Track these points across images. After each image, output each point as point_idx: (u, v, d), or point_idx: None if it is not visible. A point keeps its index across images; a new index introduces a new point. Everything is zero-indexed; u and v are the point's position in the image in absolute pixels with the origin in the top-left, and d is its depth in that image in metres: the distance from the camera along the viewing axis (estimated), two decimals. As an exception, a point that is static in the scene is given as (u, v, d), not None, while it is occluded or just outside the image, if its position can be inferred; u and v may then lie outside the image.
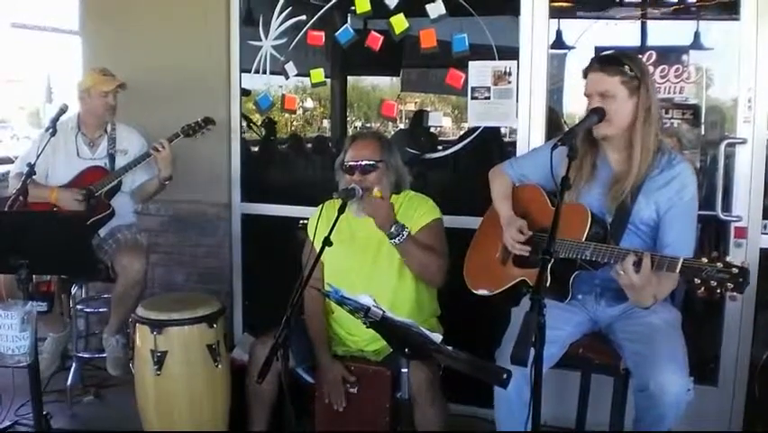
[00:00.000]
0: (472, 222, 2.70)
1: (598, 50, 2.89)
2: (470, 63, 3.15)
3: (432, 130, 3.52)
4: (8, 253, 2.40)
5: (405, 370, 2.02)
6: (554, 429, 2.96)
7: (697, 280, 1.82)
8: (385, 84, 3.70)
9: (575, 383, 2.60)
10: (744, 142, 2.78)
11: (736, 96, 2.79)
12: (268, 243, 3.65)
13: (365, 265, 2.62)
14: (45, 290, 3.26)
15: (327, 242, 2.17)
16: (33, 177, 2.94)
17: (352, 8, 3.34)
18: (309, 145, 3.88)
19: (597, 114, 2.13)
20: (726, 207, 2.82)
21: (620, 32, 2.99)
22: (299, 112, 3.76)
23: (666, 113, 2.87)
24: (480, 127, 3.19)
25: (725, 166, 2.79)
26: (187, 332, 2.72)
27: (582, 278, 2.19)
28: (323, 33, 3.45)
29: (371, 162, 2.58)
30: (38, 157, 2.99)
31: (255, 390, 2.56)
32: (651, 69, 2.75)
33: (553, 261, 1.73)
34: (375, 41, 3.32)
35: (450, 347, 1.78)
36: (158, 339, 2.69)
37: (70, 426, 3.12)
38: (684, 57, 2.88)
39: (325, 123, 3.86)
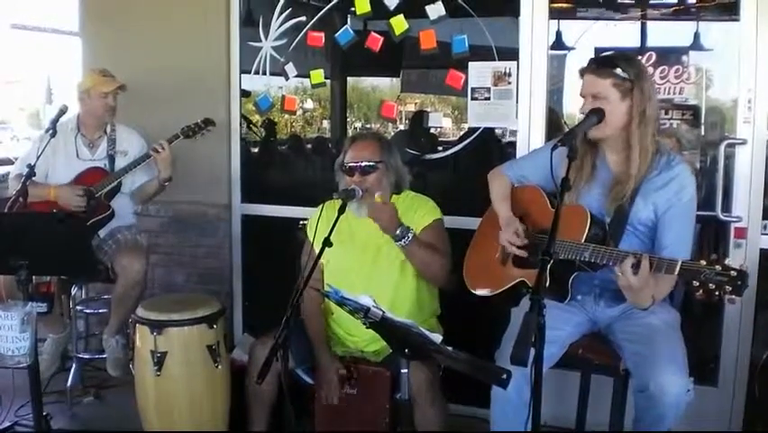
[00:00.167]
0: (472, 222, 2.70)
1: (597, 50, 2.89)
2: (470, 64, 3.15)
3: (432, 131, 3.52)
4: (8, 254, 2.40)
5: (405, 370, 2.01)
6: (554, 429, 2.96)
7: (695, 283, 1.82)
8: (385, 85, 3.70)
9: (575, 383, 2.60)
10: (743, 142, 2.78)
11: (735, 96, 2.79)
12: (268, 243, 3.65)
13: (365, 265, 2.62)
14: (45, 291, 3.26)
15: (327, 242, 2.17)
16: (33, 178, 2.94)
17: (352, 9, 3.34)
18: (309, 146, 3.88)
19: (596, 115, 2.13)
20: (726, 207, 2.82)
21: (620, 33, 2.99)
22: (299, 113, 3.76)
23: (666, 113, 2.87)
24: (479, 128, 3.19)
25: (725, 166, 2.79)
26: (186, 333, 2.72)
27: (581, 278, 2.19)
28: (323, 34, 3.45)
29: (371, 163, 2.58)
30: (38, 158, 2.99)
31: (255, 390, 2.56)
32: (651, 69, 2.76)
33: (552, 261, 1.73)
34: (375, 42, 3.32)
35: (450, 348, 1.79)
36: (158, 340, 2.69)
37: (70, 426, 3.12)
38: (684, 58, 2.88)
39: (325, 124, 3.86)
